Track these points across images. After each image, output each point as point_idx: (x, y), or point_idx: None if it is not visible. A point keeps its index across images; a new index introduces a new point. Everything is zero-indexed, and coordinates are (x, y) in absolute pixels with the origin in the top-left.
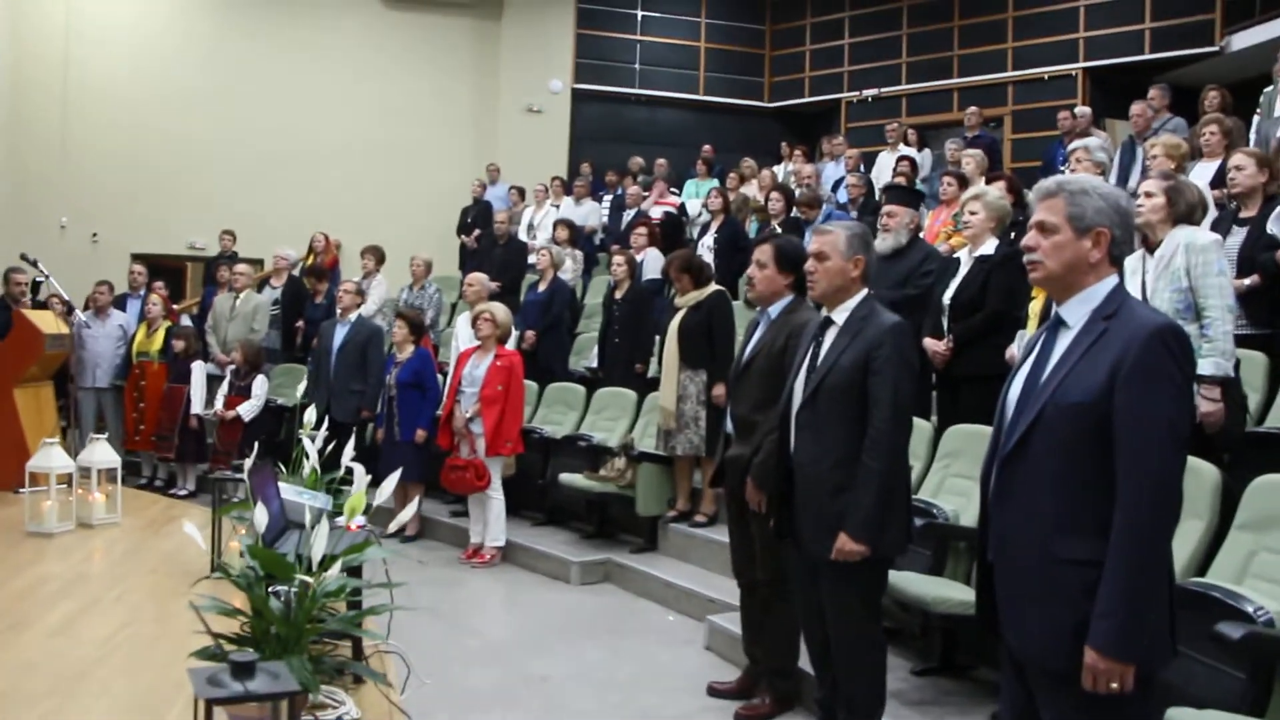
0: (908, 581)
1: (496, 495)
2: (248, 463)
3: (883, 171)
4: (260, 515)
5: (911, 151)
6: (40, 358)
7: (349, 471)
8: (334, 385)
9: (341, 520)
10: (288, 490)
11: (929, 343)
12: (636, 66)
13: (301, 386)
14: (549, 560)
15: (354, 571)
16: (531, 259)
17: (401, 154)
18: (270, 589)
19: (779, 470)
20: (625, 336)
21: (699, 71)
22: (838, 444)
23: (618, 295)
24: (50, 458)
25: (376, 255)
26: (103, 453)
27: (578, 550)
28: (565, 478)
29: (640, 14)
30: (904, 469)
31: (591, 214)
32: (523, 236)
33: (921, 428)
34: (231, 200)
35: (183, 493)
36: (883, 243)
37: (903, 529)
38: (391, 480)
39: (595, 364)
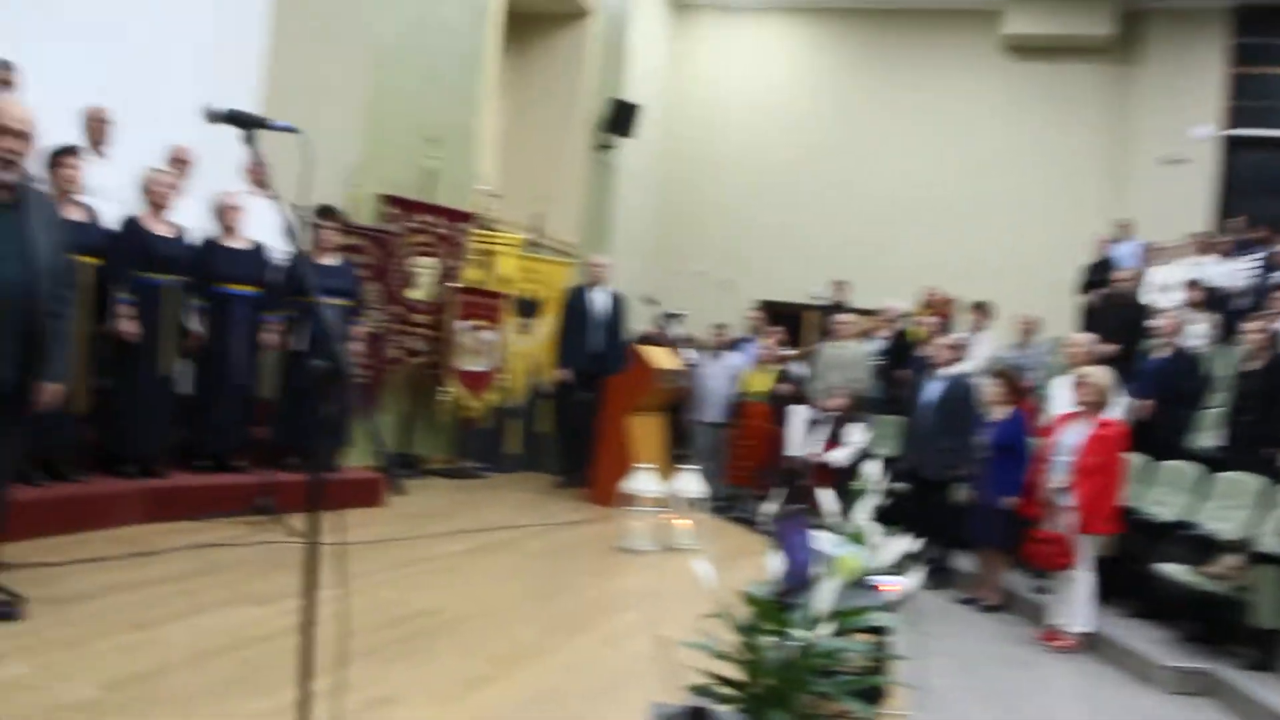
0: None
1: (1085, 576)
2: (770, 507)
3: None
4: (776, 562)
5: None
6: (654, 391)
7: (900, 531)
8: (924, 441)
9: (882, 580)
10: (824, 541)
11: None
12: None
13: (875, 439)
14: (1135, 658)
15: (877, 634)
16: (1155, 322)
17: (1016, 207)
18: (772, 639)
19: None
20: (1257, 415)
21: None
22: None
23: (1252, 367)
24: (644, 483)
25: (984, 310)
26: (693, 482)
27: (1173, 653)
28: (1166, 569)
29: None
30: None
31: (1234, 274)
32: (1150, 297)
33: None
34: (847, 251)
35: (770, 530)
36: None
37: None
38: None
39: (1219, 443)
